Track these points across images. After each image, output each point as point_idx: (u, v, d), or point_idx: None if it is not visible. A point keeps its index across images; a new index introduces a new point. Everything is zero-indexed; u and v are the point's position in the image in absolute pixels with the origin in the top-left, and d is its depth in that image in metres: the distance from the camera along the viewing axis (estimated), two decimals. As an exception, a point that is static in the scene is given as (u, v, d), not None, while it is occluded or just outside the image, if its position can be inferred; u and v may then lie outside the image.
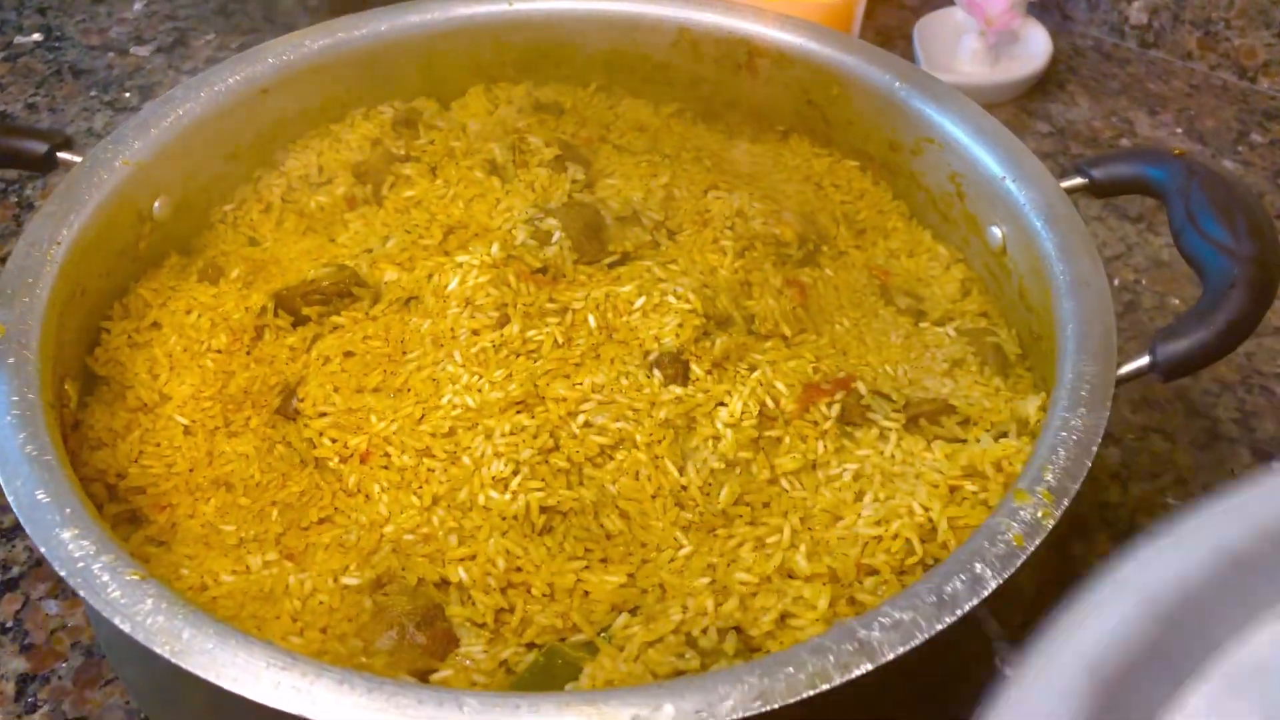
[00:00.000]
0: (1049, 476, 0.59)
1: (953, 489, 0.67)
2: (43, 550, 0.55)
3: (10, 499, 0.57)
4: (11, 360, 0.64)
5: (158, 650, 0.50)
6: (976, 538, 0.57)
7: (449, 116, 0.98)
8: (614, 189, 0.87)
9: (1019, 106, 1.28)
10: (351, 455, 0.69)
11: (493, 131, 0.94)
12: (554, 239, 0.81)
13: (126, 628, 0.51)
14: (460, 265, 0.78)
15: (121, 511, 0.70)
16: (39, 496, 0.57)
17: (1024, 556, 0.56)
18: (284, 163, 0.92)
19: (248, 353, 0.78)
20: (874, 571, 0.64)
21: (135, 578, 0.54)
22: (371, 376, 0.74)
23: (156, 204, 0.82)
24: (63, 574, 0.54)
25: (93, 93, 1.26)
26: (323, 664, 0.50)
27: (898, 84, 0.88)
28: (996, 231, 0.82)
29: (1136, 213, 1.13)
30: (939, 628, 0.53)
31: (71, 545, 0.55)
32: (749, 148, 0.99)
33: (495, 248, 0.79)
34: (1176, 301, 1.05)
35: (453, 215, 0.85)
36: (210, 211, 0.89)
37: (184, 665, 0.50)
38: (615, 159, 0.92)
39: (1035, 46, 1.29)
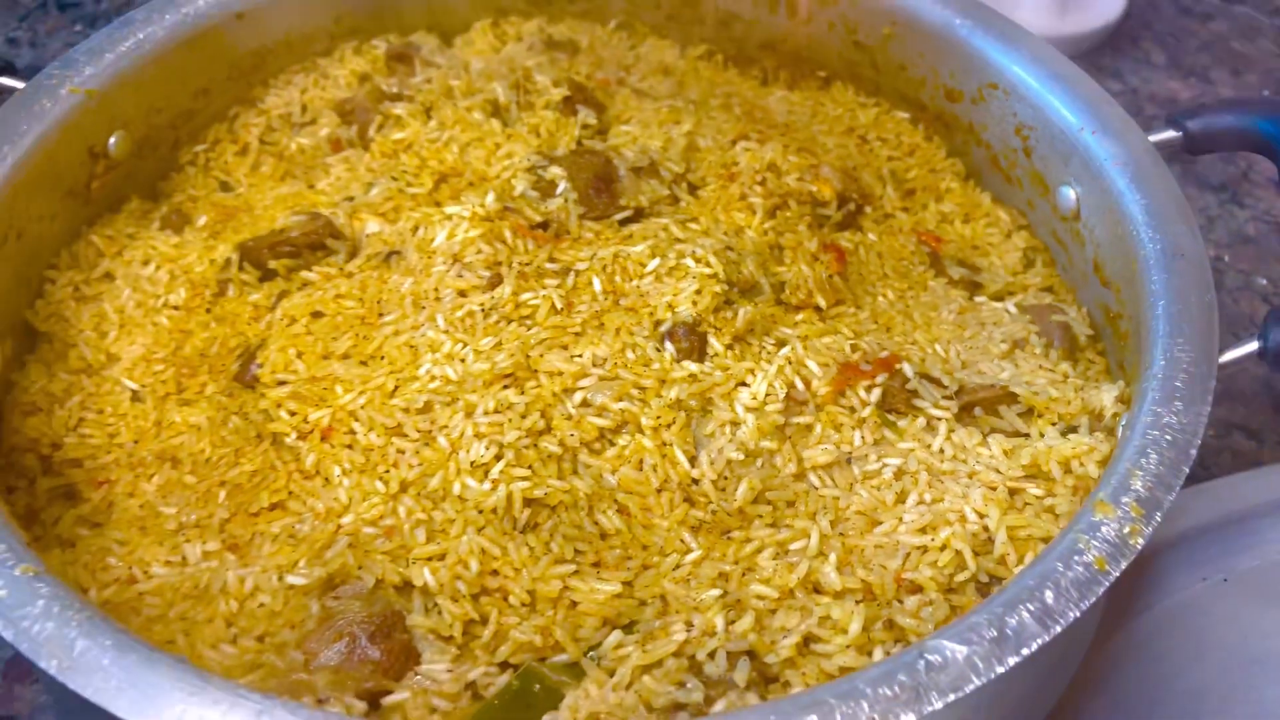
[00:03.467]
0: (1137, 484, 0.49)
1: (1013, 492, 0.57)
2: (-82, 536, 0.46)
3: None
4: (-86, 311, 0.55)
5: (42, 664, 0.41)
6: (1048, 557, 0.47)
7: (451, 53, 0.88)
8: (630, 136, 0.77)
9: (1088, 63, 1.15)
10: (312, 431, 0.60)
11: (498, 70, 0.84)
12: (558, 190, 0.71)
13: (9, 634, 0.42)
14: (449, 217, 0.69)
15: (56, 486, 0.62)
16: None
17: (1107, 584, 0.45)
18: (263, 100, 0.83)
19: (208, 310, 0.70)
20: (917, 589, 0.54)
21: (27, 573, 0.45)
22: (341, 341, 0.64)
23: (112, 139, 0.73)
24: (-60, 567, 0.45)
25: (77, 27, 1.17)
26: (240, 689, 0.41)
27: (959, 21, 0.77)
28: (1069, 193, 0.71)
29: (1219, 180, 1.01)
30: (999, 670, 0.42)
31: (-47, 532, 0.46)
32: (785, 95, 0.88)
33: (490, 198, 0.69)
34: (1264, 282, 0.93)
35: (446, 161, 0.75)
36: (179, 152, 0.80)
37: (70, 684, 0.41)
38: (633, 104, 0.81)
39: (1108, -4, 1.17)
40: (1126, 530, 0.47)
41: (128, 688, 0.41)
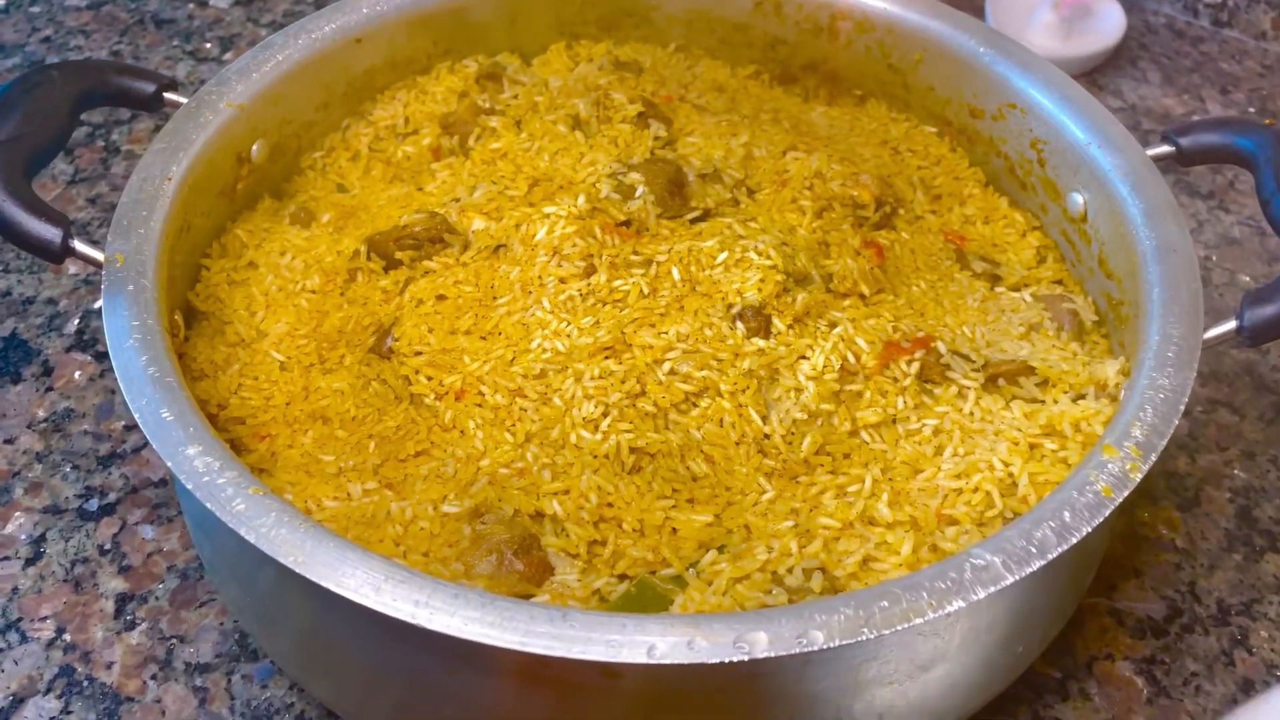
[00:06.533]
0: (1137, 432, 0.61)
1: (1032, 446, 0.69)
2: (169, 465, 0.57)
3: (136, 416, 0.60)
4: (131, 288, 0.66)
5: (283, 561, 0.53)
6: (1065, 488, 0.59)
7: (531, 72, 0.99)
8: (695, 147, 0.89)
9: (1090, 81, 1.28)
10: (447, 393, 0.72)
11: (574, 88, 0.95)
12: (638, 193, 0.82)
13: (252, 538, 0.54)
14: (547, 216, 0.80)
15: (223, 440, 0.73)
16: (164, 415, 0.60)
17: (1112, 507, 0.57)
18: (371, 112, 0.94)
19: (341, 294, 0.81)
20: (955, 522, 0.65)
21: (258, 493, 0.56)
22: (463, 319, 0.76)
23: (255, 147, 0.85)
24: (189, 487, 0.57)
25: (175, 42, 1.28)
26: (438, 579, 0.53)
27: (982, 50, 0.88)
28: (1078, 198, 0.83)
29: (1208, 189, 1.13)
30: (1029, 570, 0.54)
31: (197, 461, 0.57)
32: (825, 111, 1.00)
33: (581, 200, 0.81)
34: (1246, 278, 1.05)
35: (538, 168, 0.86)
36: (301, 157, 0.91)
37: (308, 576, 0.52)
38: (695, 118, 0.93)
39: (1108, 22, 1.28)
40: (1128, 467, 0.59)
41: (350, 577, 0.53)
